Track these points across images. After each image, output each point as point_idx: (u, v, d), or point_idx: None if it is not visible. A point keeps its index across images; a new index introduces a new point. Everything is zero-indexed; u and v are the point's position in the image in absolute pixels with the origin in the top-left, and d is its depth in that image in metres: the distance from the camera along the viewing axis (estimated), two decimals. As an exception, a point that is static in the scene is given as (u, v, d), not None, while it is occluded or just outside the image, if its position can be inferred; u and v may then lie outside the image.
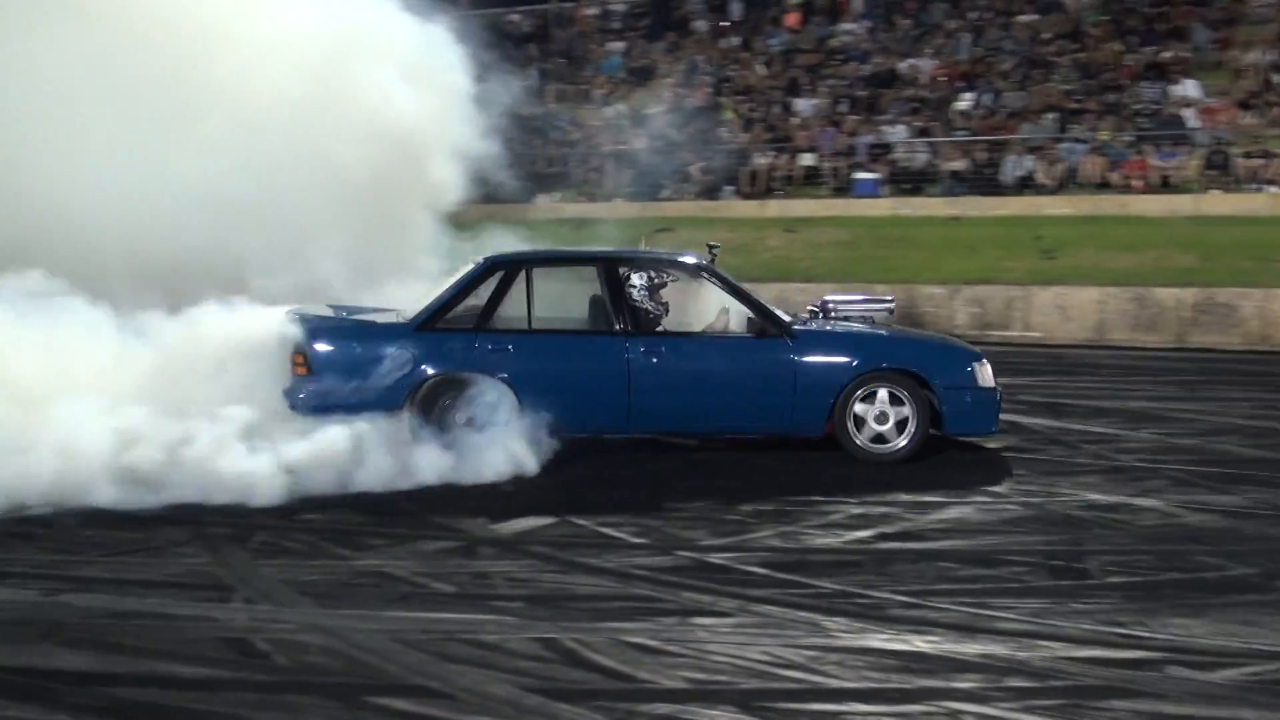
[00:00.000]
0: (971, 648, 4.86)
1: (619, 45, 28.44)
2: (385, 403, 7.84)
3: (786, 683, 4.55)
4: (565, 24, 29.92)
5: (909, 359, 8.27)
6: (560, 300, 8.47)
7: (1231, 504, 7.19)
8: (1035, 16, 25.55)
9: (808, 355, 8.18)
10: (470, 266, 8.38)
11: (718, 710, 4.29)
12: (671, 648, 4.87)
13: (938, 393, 8.15)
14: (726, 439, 8.75)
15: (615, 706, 4.33)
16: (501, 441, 7.76)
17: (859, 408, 8.17)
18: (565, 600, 5.53)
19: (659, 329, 8.25)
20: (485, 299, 8.15)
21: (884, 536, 6.57)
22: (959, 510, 7.09)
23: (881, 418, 8.18)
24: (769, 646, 4.87)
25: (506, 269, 8.25)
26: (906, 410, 8.16)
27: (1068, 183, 21.04)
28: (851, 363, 8.17)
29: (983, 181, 21.36)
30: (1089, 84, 23.15)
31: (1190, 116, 21.80)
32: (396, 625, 5.13)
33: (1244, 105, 22.11)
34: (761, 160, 23.19)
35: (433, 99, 10.32)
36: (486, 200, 12.70)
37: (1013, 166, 21.37)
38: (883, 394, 8.17)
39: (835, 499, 7.32)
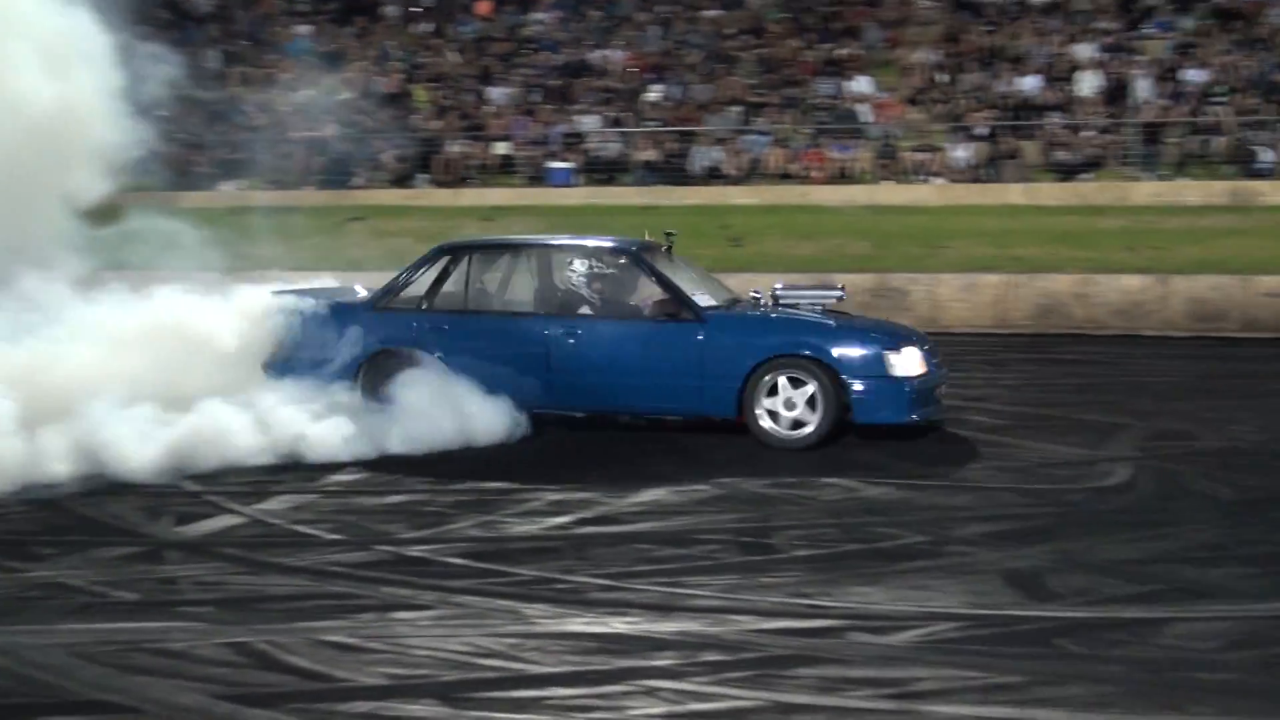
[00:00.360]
0: (668, 626, 4.99)
1: (306, 29, 27.64)
2: (341, 374, 8.60)
3: (488, 672, 4.54)
4: (249, 4, 28.84)
5: (814, 345, 8.28)
6: (503, 284, 9.07)
7: (904, 477, 7.63)
8: (719, 12, 26.38)
9: (716, 339, 8.31)
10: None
11: (418, 704, 4.24)
12: (371, 644, 4.78)
13: (843, 380, 8.17)
14: (649, 420, 8.91)
15: (312, 708, 4.22)
16: (436, 414, 8.23)
17: (768, 392, 8.25)
18: (257, 602, 5.35)
19: (583, 312, 8.59)
20: (431, 282, 8.85)
21: (582, 521, 6.65)
22: (654, 493, 7.25)
23: (789, 404, 8.23)
24: (470, 637, 4.85)
25: (453, 254, 8.98)
26: (814, 396, 8.19)
27: (752, 173, 21.84)
28: (757, 348, 8.29)
29: (673, 171, 21.90)
30: (770, 78, 24.09)
31: (864, 111, 23.01)
32: (74, 638, 4.84)
33: (912, 101, 23.51)
34: (455, 148, 23.05)
35: (75, 85, 9.62)
36: (143, 189, 12.07)
37: (700, 157, 22.01)
38: (785, 380, 8.23)
39: (534, 486, 7.36)
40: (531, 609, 5.19)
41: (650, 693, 4.35)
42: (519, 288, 9.01)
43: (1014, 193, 20.24)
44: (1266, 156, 20.37)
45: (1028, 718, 4.14)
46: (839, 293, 8.97)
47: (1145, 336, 14.33)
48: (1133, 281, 15.55)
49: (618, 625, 5.00)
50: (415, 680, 4.45)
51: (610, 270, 8.79)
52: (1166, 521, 6.60)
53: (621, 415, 8.95)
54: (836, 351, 8.22)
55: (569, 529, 6.52)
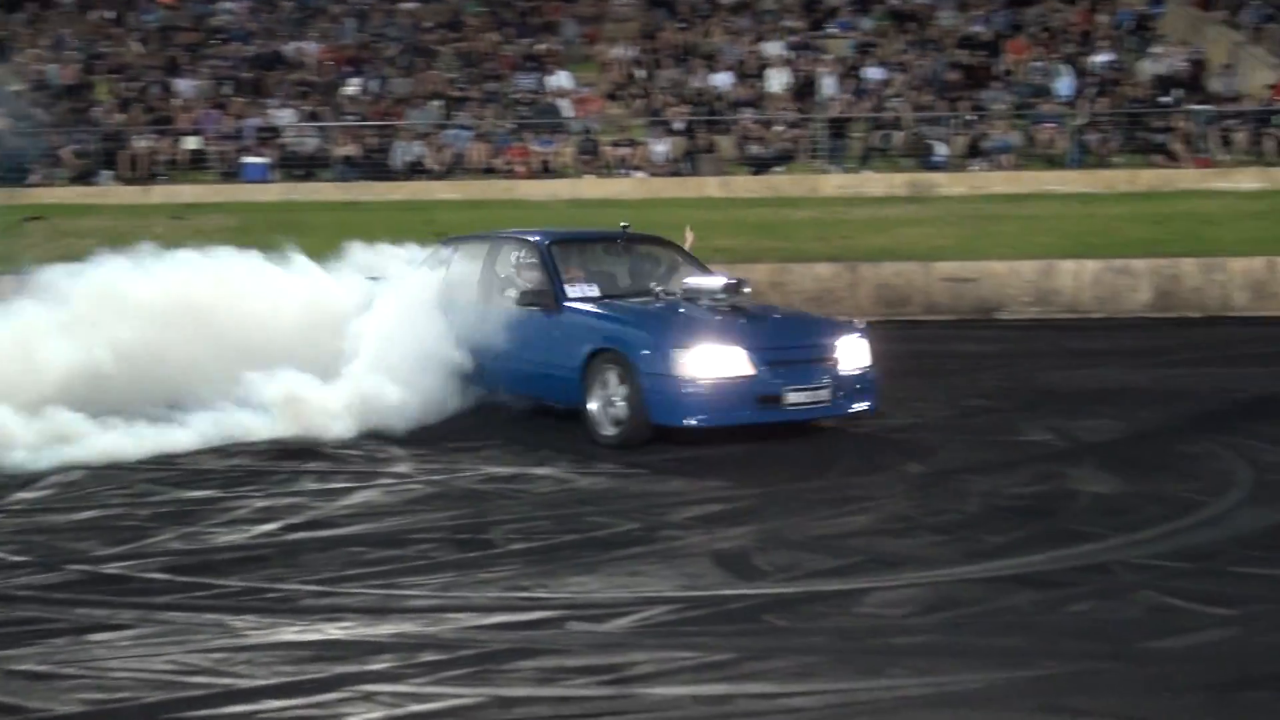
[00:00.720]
0: (384, 629, 4.91)
1: (-33, 15, 25.77)
2: None
3: (195, 689, 4.35)
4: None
5: (619, 339, 8.16)
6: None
7: (614, 467, 7.76)
8: (417, 4, 26.12)
9: (563, 330, 8.48)
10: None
11: (121, 729, 4.03)
12: (66, 670, 4.50)
13: (637, 378, 7.93)
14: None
15: (1, 742, 3.95)
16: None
17: (600, 386, 8.19)
18: (-65, 633, 4.96)
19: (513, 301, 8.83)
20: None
21: (291, 527, 6.46)
22: (366, 494, 7.12)
23: (610, 400, 8.16)
24: (174, 654, 4.64)
25: (446, 246, 10.03)
26: (626, 392, 8.04)
27: (455, 168, 21.72)
28: (585, 340, 8.30)
29: (374, 167, 21.52)
30: (471, 72, 24.02)
31: (565, 106, 23.22)
32: None
33: (611, 97, 23.89)
34: (142, 143, 21.90)
35: None
36: None
37: (402, 152, 21.71)
38: (612, 375, 8.13)
39: (239, 494, 7.11)
40: (240, 621, 5.01)
41: (368, 698, 4.27)
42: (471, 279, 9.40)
43: (711, 185, 20.89)
44: (941, 150, 21.71)
45: (739, 692, 4.29)
46: (729, 282, 8.52)
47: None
48: (824, 270, 16.31)
49: (332, 631, 4.88)
50: (116, 705, 4.22)
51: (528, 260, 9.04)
52: (861, 496, 6.95)
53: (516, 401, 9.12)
54: (636, 346, 8.01)
55: (277, 536, 6.32)
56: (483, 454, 8.11)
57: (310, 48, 24.56)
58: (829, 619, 5.01)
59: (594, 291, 8.75)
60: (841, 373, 8.23)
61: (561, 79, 23.81)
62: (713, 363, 7.85)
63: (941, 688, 4.30)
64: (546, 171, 21.76)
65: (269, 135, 22.19)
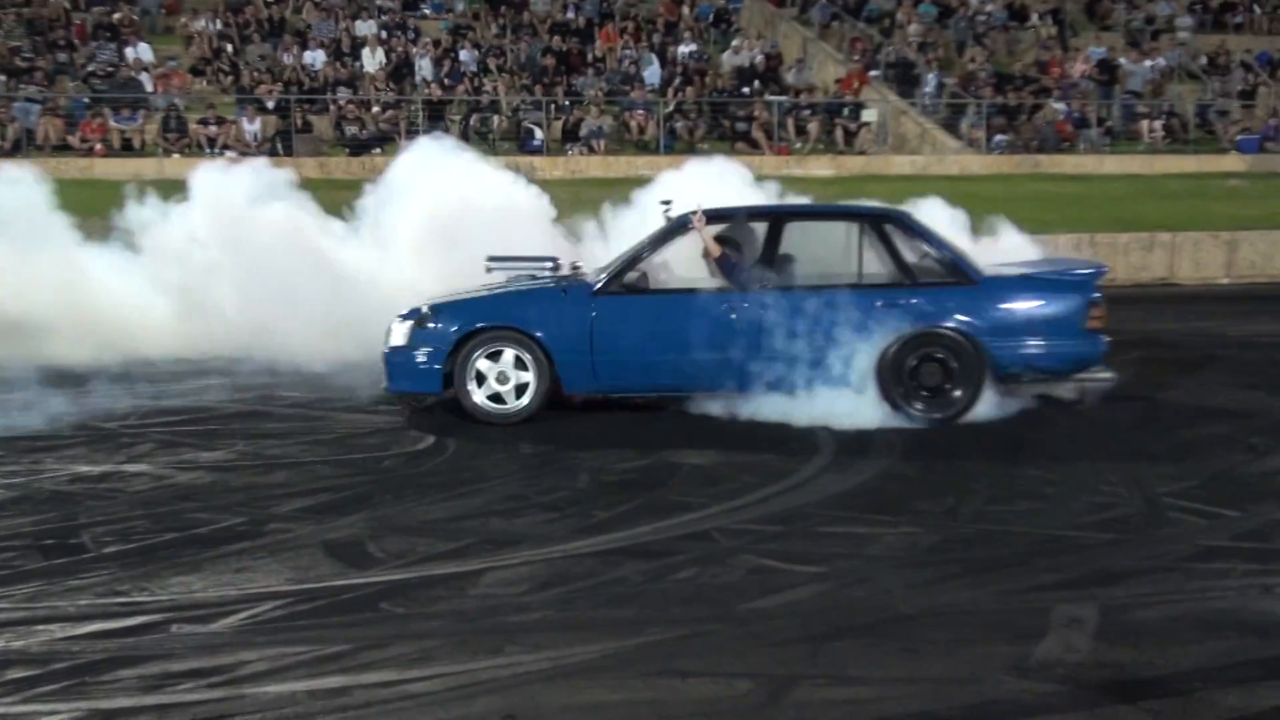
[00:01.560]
0: (-39, 648, 4.50)
1: None
2: None
3: None
4: None
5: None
6: None
7: (218, 459, 7.44)
8: (-27, -35, 23.99)
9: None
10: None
11: None
12: None
13: None
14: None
15: None
16: None
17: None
18: None
19: None
20: None
21: None
22: (-67, 501, 6.49)
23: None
24: None
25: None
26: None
27: (26, 144, 20.13)
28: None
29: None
30: (37, 41, 22.30)
31: (146, 81, 21.97)
32: None
33: (196, 72, 22.80)
34: None
35: None
36: None
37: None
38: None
39: None
40: None
41: (-54, 724, 3.90)
42: None
43: (308, 166, 20.32)
44: (539, 134, 22.08)
45: (356, 683, 4.22)
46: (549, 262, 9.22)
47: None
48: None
49: (-101, 655, 4.43)
50: None
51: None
52: (474, 479, 6.98)
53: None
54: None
55: None
56: (67, 453, 7.57)
57: None
58: (446, 602, 5.01)
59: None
60: None
61: (142, 51, 22.52)
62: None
63: (557, 662, 4.39)
64: (128, 150, 20.53)
65: None
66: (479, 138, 21.69)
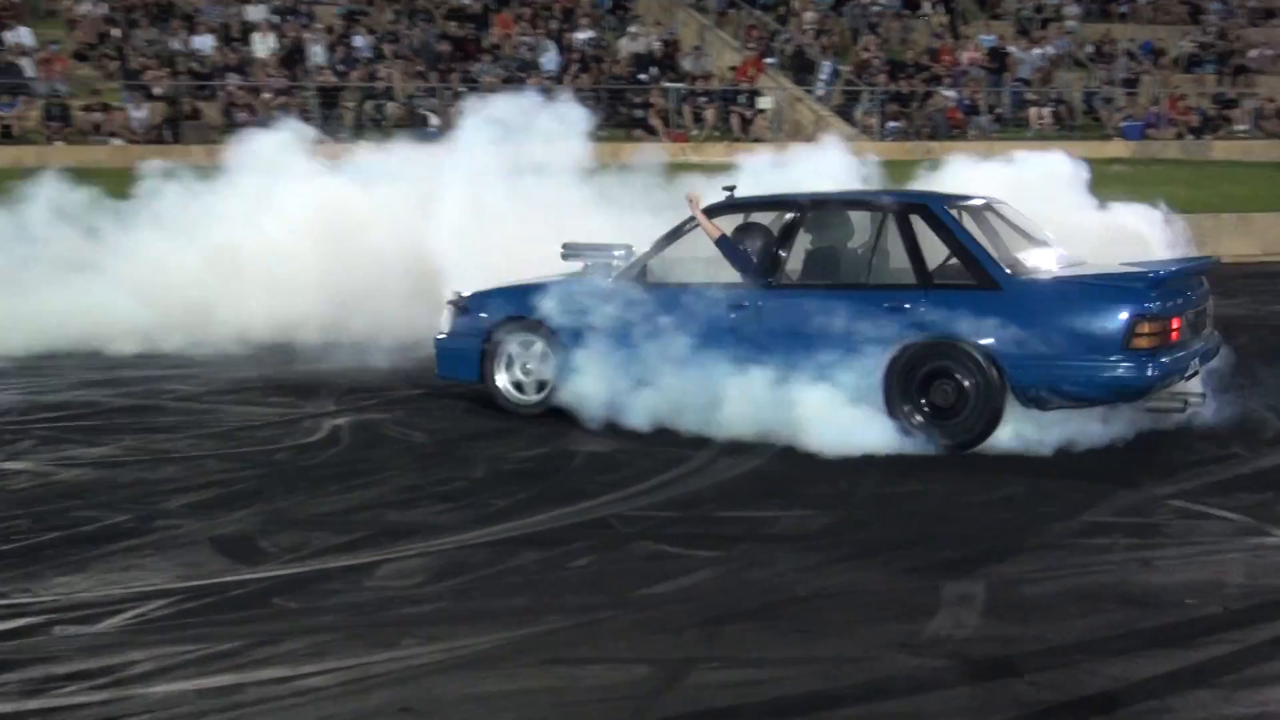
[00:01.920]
0: None
1: None
2: None
3: None
4: None
5: None
6: None
7: (103, 455, 7.27)
8: None
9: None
10: None
11: None
12: None
13: None
14: None
15: None
16: None
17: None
18: None
19: None
20: None
21: None
22: None
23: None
24: None
25: None
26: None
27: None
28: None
29: None
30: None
31: (27, 65, 21.36)
32: None
33: (80, 56, 22.22)
34: None
35: None
36: None
37: None
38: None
39: None
40: None
41: None
42: None
43: (198, 154, 19.88)
44: (434, 121, 21.87)
45: (248, 680, 4.15)
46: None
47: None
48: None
49: None
50: None
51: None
52: (368, 470, 6.90)
53: None
54: None
55: None
56: (-54, 450, 7.34)
57: None
58: (339, 596, 4.95)
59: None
60: None
61: (22, 35, 21.86)
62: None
63: (453, 652, 4.36)
64: (9, 137, 19.94)
65: None
66: (373, 124, 21.42)
